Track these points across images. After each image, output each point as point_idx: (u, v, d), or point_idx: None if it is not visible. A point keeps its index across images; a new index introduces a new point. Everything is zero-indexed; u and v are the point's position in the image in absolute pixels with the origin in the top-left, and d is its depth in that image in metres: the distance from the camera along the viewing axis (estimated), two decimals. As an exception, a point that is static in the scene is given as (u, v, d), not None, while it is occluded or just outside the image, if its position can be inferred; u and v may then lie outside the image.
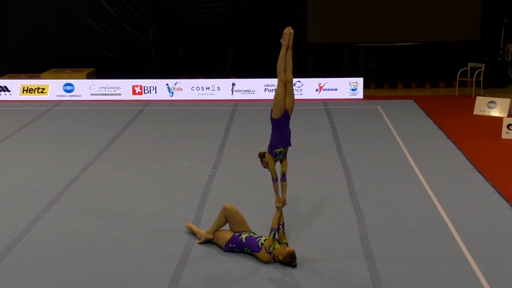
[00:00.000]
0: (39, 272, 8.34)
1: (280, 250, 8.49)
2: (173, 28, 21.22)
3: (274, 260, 8.52)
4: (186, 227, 9.53)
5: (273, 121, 8.63)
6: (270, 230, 8.61)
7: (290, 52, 8.61)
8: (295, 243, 9.08)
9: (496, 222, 9.84)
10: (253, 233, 8.92)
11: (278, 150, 8.59)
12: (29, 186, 11.70)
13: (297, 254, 8.52)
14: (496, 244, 9.08)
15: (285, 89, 8.62)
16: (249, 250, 8.69)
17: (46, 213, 10.34)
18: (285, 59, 8.56)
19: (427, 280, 8.03)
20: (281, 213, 8.62)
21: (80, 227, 9.82)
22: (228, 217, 8.99)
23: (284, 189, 8.66)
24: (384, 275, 8.17)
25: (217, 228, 9.08)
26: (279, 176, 8.72)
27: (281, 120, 8.61)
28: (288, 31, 8.65)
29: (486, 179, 11.75)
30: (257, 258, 8.62)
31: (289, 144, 8.72)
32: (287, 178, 8.73)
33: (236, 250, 8.82)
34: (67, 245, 9.16)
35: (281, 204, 8.56)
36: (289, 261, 8.41)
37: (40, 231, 9.65)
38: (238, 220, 8.98)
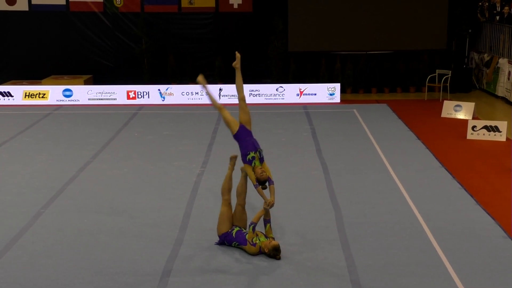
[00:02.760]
0: (41, 263, 8.29)
1: (266, 243, 8.47)
2: (164, 38, 21.18)
3: (260, 251, 8.50)
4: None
5: (234, 137, 8.79)
6: (250, 223, 8.60)
7: (239, 74, 9.05)
8: (278, 237, 9.07)
9: (462, 216, 9.88)
10: (243, 229, 8.88)
11: (249, 157, 8.56)
12: (31, 184, 11.62)
13: (280, 245, 8.51)
14: (462, 236, 9.12)
15: (240, 107, 8.88)
16: (237, 244, 8.66)
17: (47, 210, 10.27)
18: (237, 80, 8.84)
19: (400, 269, 8.05)
20: (266, 212, 8.60)
21: (78, 222, 9.76)
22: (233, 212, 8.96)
23: (272, 192, 8.57)
24: (360, 264, 8.17)
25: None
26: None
27: (241, 134, 8.73)
28: (239, 54, 9.01)
29: (453, 176, 11.79)
30: (245, 251, 8.59)
31: (258, 147, 8.66)
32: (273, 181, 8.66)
33: (226, 243, 8.79)
34: (66, 239, 9.10)
35: (269, 206, 8.53)
36: (274, 254, 8.39)
37: (41, 226, 9.58)
38: (238, 217, 8.93)
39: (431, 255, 8.47)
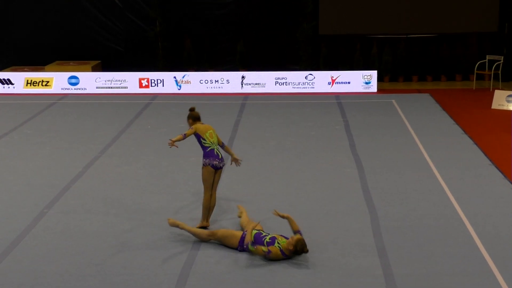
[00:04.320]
0: (43, 270, 8.37)
1: (288, 242, 8.48)
2: (180, 19, 21.21)
3: (284, 254, 8.49)
4: (169, 224, 9.40)
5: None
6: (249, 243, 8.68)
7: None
8: (307, 240, 9.06)
9: (515, 220, 9.81)
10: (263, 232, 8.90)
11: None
12: (33, 181, 11.73)
13: (309, 250, 8.54)
14: (515, 242, 9.05)
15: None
16: (259, 246, 8.64)
17: (50, 210, 10.36)
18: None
19: (443, 279, 8.01)
20: (292, 221, 8.76)
21: (84, 223, 9.84)
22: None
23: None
24: (398, 273, 8.15)
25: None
26: None
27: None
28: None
29: (504, 176, 11.69)
30: (266, 256, 8.60)
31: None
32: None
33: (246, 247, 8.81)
34: (71, 243, 9.18)
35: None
36: (301, 247, 8.43)
37: (44, 228, 9.68)
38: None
39: (479, 264, 8.41)
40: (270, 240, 8.60)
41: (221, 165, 9.52)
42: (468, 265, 8.38)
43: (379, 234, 9.34)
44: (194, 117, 9.75)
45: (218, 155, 9.50)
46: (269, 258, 8.54)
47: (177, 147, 9.51)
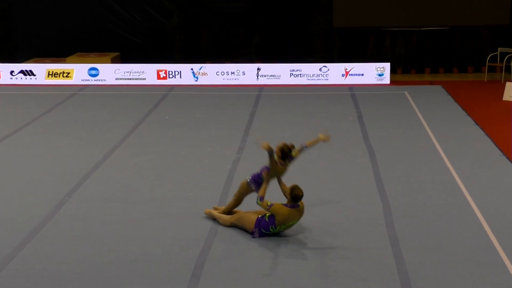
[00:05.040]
0: (64, 255, 8.41)
1: (284, 191, 8.86)
2: (197, 12, 21.20)
3: (286, 205, 8.67)
4: (205, 213, 9.53)
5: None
6: (259, 198, 8.76)
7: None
8: (319, 228, 9.06)
9: (525, 210, 9.75)
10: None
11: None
12: (53, 170, 11.79)
13: (322, 239, 8.56)
14: (525, 232, 9.00)
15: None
16: (272, 227, 8.76)
17: (71, 198, 10.41)
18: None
19: (454, 268, 7.98)
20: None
21: (104, 211, 9.88)
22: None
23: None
24: (410, 262, 8.12)
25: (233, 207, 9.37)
26: None
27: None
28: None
29: (515, 166, 11.64)
30: (277, 221, 8.72)
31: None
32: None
33: (263, 231, 8.81)
34: (91, 230, 9.22)
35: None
36: (297, 191, 8.62)
37: (64, 216, 9.73)
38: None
39: (490, 253, 8.37)
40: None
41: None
42: (479, 254, 8.34)
43: (391, 223, 9.31)
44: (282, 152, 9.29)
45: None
46: (272, 211, 8.65)
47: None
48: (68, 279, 7.80)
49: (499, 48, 19.46)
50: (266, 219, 8.78)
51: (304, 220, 9.11)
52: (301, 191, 8.69)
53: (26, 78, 19.57)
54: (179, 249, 8.57)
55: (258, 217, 8.89)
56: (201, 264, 8.12)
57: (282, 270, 7.99)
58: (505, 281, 7.66)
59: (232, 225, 9.14)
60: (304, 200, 9.10)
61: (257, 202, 8.77)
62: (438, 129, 14.07)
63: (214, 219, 9.40)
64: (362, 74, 18.94)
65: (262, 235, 8.84)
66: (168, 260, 8.27)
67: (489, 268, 7.98)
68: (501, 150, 12.55)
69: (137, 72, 19.37)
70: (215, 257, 8.34)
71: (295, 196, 8.67)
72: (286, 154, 9.15)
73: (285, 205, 8.73)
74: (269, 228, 8.79)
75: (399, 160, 12.07)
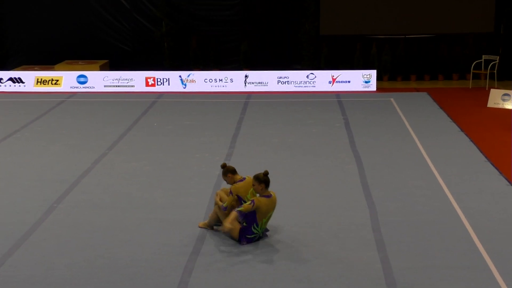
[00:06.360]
0: (53, 262, 8.38)
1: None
2: (186, 20, 21.24)
3: (254, 201, 8.69)
4: (200, 226, 9.47)
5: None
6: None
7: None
8: (308, 234, 9.08)
9: (510, 215, 9.79)
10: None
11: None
12: (43, 176, 11.76)
13: (310, 244, 8.59)
14: (509, 237, 9.03)
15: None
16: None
17: (60, 204, 10.38)
18: None
19: (440, 273, 8.01)
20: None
21: (93, 218, 9.86)
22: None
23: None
24: (397, 267, 8.15)
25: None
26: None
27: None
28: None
29: (500, 172, 11.69)
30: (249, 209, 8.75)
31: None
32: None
33: (248, 236, 8.83)
34: (80, 236, 9.19)
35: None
36: (266, 178, 8.82)
37: (54, 222, 9.70)
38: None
39: (475, 258, 8.41)
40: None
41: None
42: (465, 259, 8.38)
43: (378, 228, 9.34)
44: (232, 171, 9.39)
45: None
46: (257, 205, 8.69)
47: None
48: (58, 285, 7.78)
49: (483, 56, 19.58)
50: (245, 223, 8.81)
51: (291, 225, 9.12)
52: (261, 173, 8.87)
53: (15, 86, 19.51)
54: (168, 255, 8.57)
55: (240, 228, 8.85)
56: (190, 270, 8.12)
57: (270, 276, 7.99)
58: (490, 286, 7.70)
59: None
60: (291, 205, 9.14)
61: (225, 211, 8.96)
62: (423, 135, 14.13)
63: (211, 229, 9.36)
64: (349, 81, 19.00)
65: (249, 241, 8.85)
66: (157, 266, 8.26)
67: (475, 272, 8.02)
68: (485, 156, 12.62)
69: (126, 79, 19.35)
70: (203, 263, 8.34)
71: (266, 180, 8.80)
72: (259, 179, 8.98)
73: (252, 201, 8.75)
74: (252, 230, 8.78)
75: (386, 166, 12.11)
